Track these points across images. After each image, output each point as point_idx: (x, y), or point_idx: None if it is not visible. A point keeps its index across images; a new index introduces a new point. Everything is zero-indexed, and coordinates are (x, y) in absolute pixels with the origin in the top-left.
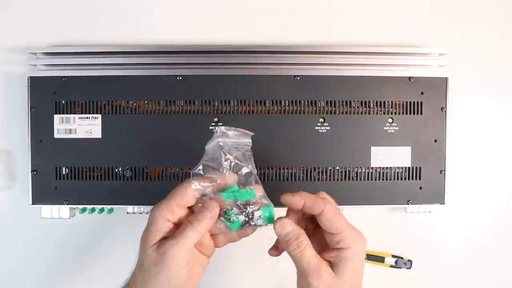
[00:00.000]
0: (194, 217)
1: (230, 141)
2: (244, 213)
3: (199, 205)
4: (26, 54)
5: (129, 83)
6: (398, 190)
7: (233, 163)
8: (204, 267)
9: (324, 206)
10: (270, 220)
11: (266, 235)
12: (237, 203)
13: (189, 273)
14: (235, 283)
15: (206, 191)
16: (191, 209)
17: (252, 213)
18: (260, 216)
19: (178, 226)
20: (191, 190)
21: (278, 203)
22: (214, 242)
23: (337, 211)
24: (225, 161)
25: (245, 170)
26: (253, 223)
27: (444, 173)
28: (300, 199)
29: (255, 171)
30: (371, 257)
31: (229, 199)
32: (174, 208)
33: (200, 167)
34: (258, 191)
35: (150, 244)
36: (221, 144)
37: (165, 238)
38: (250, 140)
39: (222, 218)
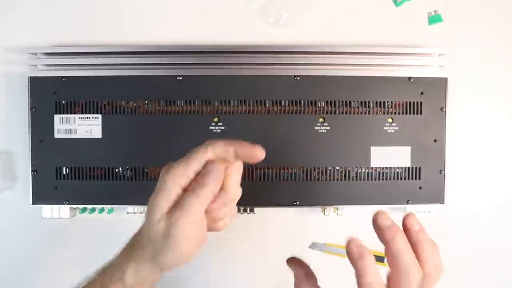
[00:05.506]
0: (196, 183)
1: None
2: None
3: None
4: (27, 54)
5: (129, 83)
6: (397, 190)
7: None
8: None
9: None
10: None
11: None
12: None
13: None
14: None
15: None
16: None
17: None
18: None
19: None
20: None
21: (273, 203)
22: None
23: None
24: None
25: None
26: None
27: (444, 173)
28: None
29: None
30: None
31: None
32: (190, 175)
33: None
34: None
35: (157, 214)
36: None
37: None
38: None
39: None
